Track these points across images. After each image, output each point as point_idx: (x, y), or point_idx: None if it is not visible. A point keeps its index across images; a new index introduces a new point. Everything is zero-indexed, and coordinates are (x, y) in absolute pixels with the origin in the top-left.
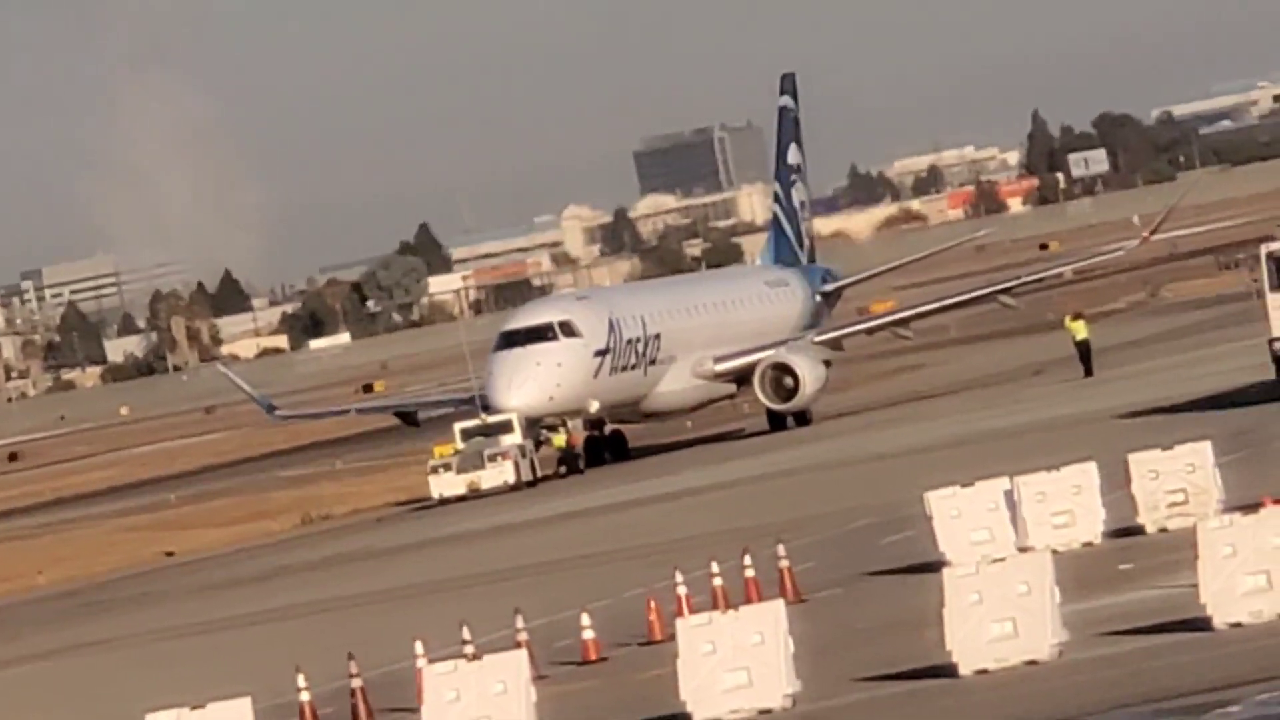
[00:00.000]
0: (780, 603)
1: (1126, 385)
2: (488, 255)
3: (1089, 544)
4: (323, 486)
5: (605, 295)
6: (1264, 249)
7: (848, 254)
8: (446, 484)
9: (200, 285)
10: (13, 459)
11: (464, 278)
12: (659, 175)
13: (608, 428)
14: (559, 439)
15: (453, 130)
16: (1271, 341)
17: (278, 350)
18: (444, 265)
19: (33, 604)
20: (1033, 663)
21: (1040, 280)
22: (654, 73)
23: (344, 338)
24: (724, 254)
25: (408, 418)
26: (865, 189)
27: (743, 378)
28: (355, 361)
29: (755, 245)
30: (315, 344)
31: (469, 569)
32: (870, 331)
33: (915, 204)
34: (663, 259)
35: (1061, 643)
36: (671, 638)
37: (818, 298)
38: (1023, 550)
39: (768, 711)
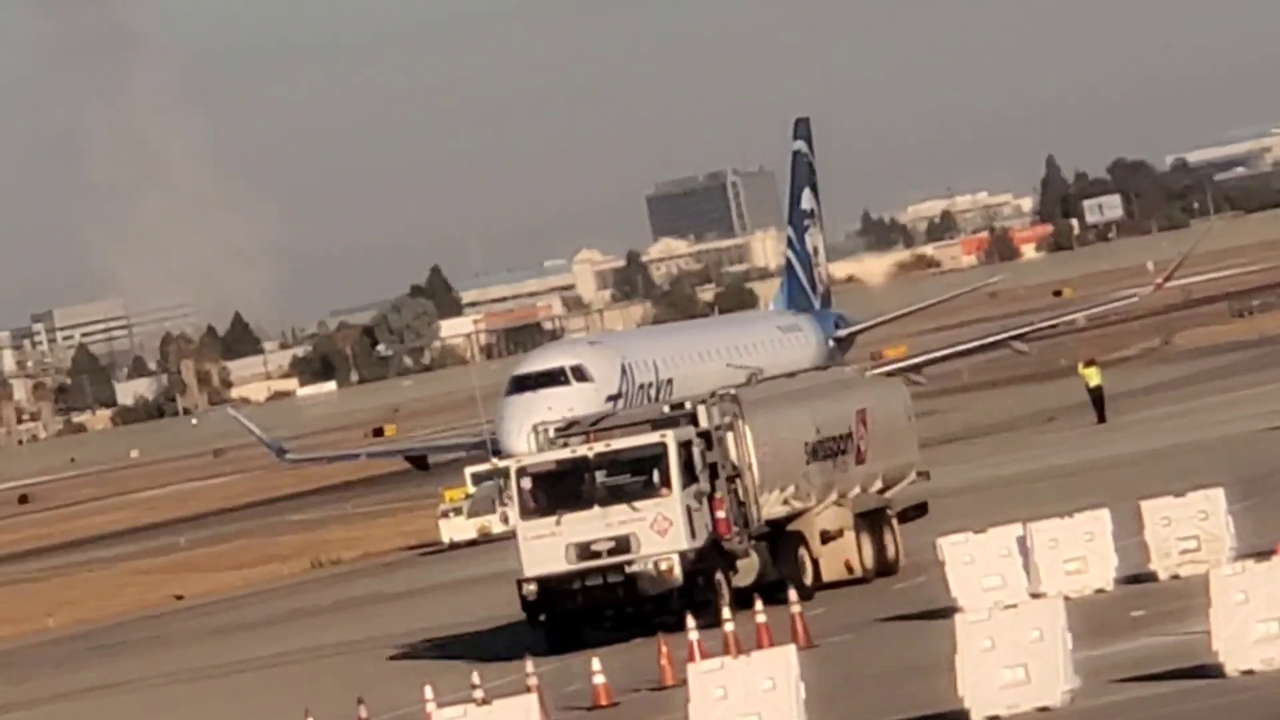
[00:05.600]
0: (791, 648)
1: (1140, 432)
2: (499, 299)
3: (1101, 590)
4: (333, 530)
5: (617, 340)
6: (514, 464)
7: (861, 299)
8: (457, 528)
9: (210, 328)
10: (23, 501)
11: (475, 321)
12: (671, 219)
13: None
14: None
15: (464, 173)
16: (522, 583)
17: (288, 394)
18: (455, 309)
19: (42, 647)
20: (1045, 709)
21: (1053, 326)
22: (667, 117)
23: (330, 385)
24: (737, 299)
25: (418, 462)
26: (879, 234)
27: None
28: (365, 405)
29: (768, 290)
30: (302, 392)
31: (479, 614)
32: None
33: (929, 249)
34: (675, 304)
35: (1073, 689)
36: (683, 683)
37: (831, 343)
38: (1035, 596)
39: None
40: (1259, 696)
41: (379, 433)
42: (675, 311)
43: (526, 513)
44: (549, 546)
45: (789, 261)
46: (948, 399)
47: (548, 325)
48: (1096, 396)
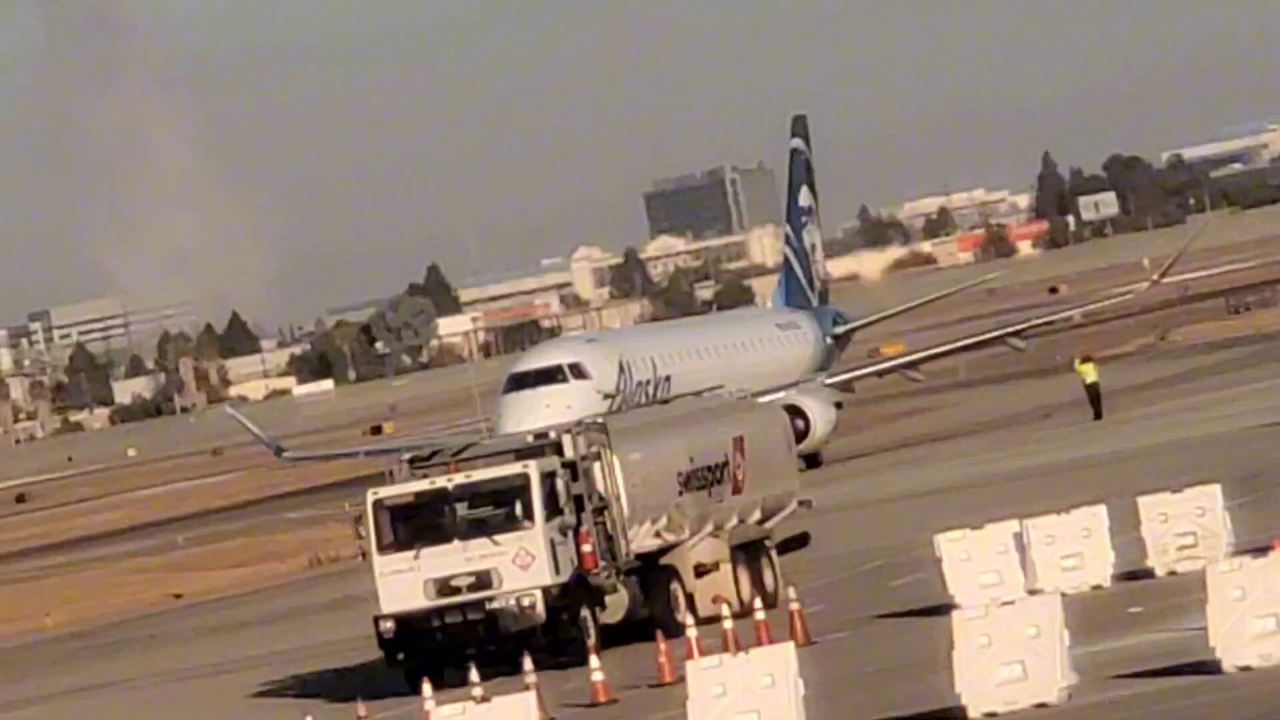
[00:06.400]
0: (790, 645)
1: (1136, 428)
2: (496, 297)
3: (1098, 587)
4: (331, 528)
5: (615, 337)
6: (370, 496)
7: (859, 296)
8: None
9: (208, 327)
10: (20, 500)
11: (473, 319)
12: (669, 217)
13: None
14: None
15: (461, 172)
16: (379, 620)
17: (285, 392)
18: (453, 307)
19: (40, 645)
20: (1042, 706)
21: (1050, 323)
22: (664, 114)
23: (327, 384)
24: (735, 296)
25: None
26: (875, 231)
27: None
28: (362, 403)
29: (766, 288)
30: (300, 390)
31: None
32: (881, 374)
33: (926, 246)
34: (673, 301)
35: (1071, 686)
36: (681, 680)
37: (829, 340)
38: (1032, 593)
39: None
40: (1256, 692)
41: (377, 431)
42: (673, 309)
43: (383, 547)
44: (407, 582)
45: (787, 259)
46: (945, 395)
47: (546, 323)
48: (1093, 393)
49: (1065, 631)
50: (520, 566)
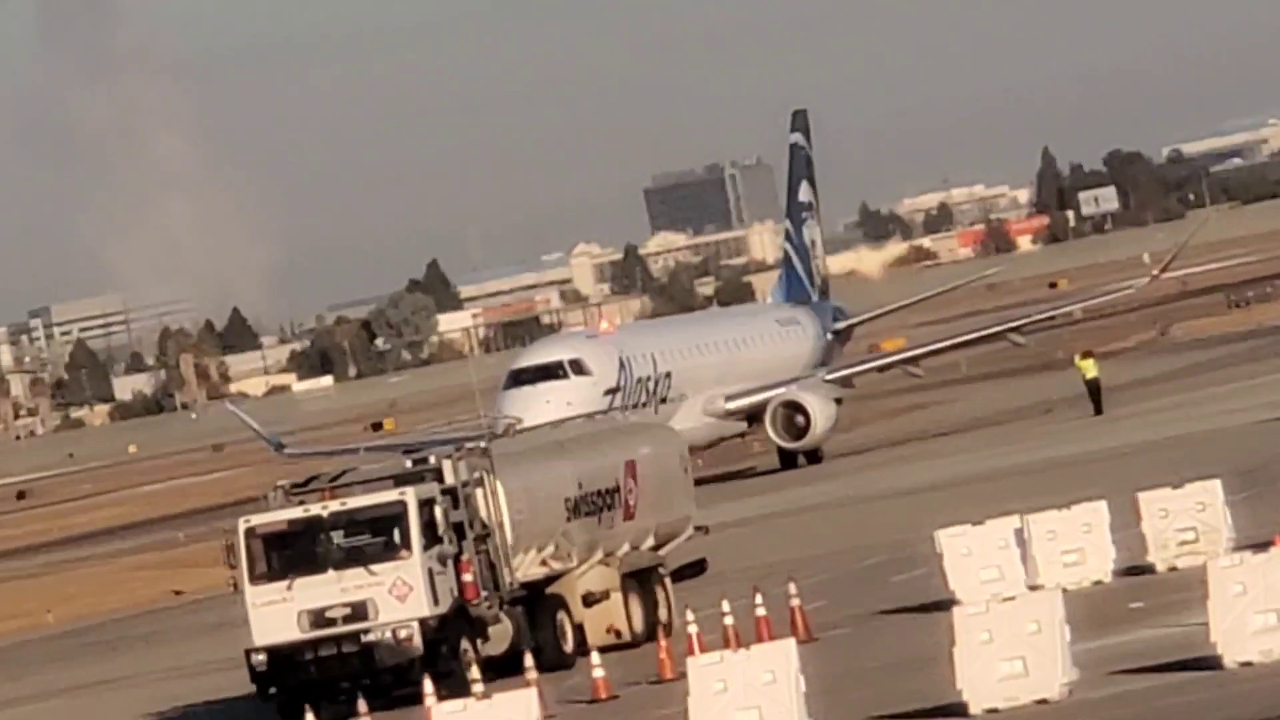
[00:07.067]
0: (791, 641)
1: (1137, 424)
2: (497, 293)
3: (1099, 582)
4: None
5: (615, 333)
6: (242, 524)
7: (859, 292)
8: None
9: (209, 323)
10: (21, 497)
11: (473, 315)
12: (669, 213)
13: None
14: None
15: (461, 168)
16: (251, 653)
17: (285, 388)
18: (453, 303)
19: (41, 642)
20: (1043, 701)
21: (1050, 318)
22: (665, 110)
23: (327, 380)
24: (735, 292)
25: None
26: (876, 226)
27: (754, 416)
28: (362, 400)
29: (766, 283)
30: (300, 387)
31: None
32: (881, 369)
33: (926, 242)
34: (673, 297)
35: (1072, 681)
36: (682, 676)
37: (829, 335)
38: (1033, 589)
39: None
40: (1257, 688)
41: (378, 427)
42: (673, 305)
43: (256, 577)
44: (280, 613)
45: (787, 254)
46: (945, 391)
47: (545, 319)
48: (1093, 388)
49: (1066, 627)
50: (397, 597)
